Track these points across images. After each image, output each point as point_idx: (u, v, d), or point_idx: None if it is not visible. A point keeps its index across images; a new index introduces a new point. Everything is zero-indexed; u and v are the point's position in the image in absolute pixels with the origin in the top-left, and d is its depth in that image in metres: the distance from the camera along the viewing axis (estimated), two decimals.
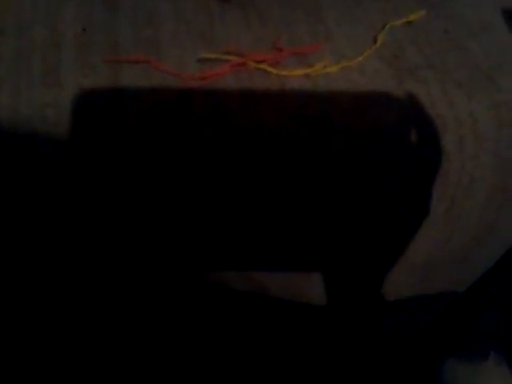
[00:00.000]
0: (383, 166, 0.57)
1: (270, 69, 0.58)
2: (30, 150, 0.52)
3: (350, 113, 0.56)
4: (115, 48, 0.56)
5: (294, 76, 0.58)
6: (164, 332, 0.60)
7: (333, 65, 0.59)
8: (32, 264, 0.53)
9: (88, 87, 0.54)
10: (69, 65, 0.55)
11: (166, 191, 0.56)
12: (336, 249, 0.65)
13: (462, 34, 0.67)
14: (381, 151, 0.57)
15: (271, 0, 0.67)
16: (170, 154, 0.55)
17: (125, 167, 0.54)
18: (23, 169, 0.53)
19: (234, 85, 0.57)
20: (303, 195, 0.58)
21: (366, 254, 0.68)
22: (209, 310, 0.61)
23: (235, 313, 0.63)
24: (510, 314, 0.79)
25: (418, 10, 0.68)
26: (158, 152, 0.54)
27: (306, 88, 0.57)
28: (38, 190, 0.54)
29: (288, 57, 0.59)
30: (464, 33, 0.67)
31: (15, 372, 0.51)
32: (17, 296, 0.52)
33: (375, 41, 0.64)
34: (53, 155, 0.52)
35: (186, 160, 0.55)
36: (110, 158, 0.54)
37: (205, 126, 0.55)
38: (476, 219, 0.65)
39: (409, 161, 0.57)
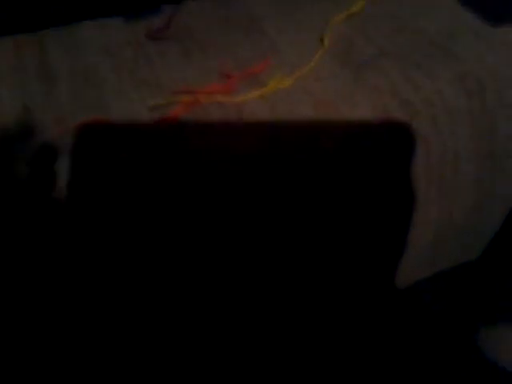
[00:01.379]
0: (360, 171, 0.55)
1: (223, 99, 0.55)
2: None
3: (313, 127, 0.53)
4: (61, 120, 0.54)
5: (250, 99, 0.55)
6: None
7: (286, 78, 0.57)
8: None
9: None
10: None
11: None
12: (339, 250, 0.62)
13: (407, 13, 0.65)
14: (353, 158, 0.54)
15: (208, 26, 0.65)
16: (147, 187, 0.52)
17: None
18: None
19: (192, 123, 0.54)
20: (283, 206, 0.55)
21: (371, 250, 0.65)
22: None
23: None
24: None
25: None
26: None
27: (264, 109, 0.54)
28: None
29: (239, 81, 0.57)
30: (409, 11, 0.65)
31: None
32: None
33: (323, 41, 0.61)
34: None
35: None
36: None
37: (174, 170, 0.52)
38: (471, 190, 0.62)
39: (383, 155, 0.55)
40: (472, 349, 0.83)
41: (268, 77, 0.57)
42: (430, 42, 0.60)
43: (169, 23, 0.64)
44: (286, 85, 0.57)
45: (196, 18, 0.66)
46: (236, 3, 0.68)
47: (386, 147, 0.54)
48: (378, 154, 0.55)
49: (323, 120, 0.54)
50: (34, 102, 0.56)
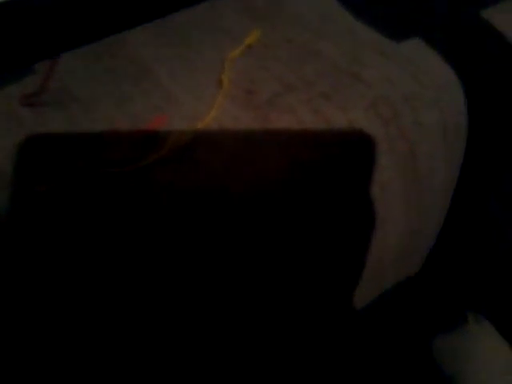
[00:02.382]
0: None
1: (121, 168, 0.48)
2: None
3: (225, 182, 0.48)
4: None
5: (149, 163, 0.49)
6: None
7: (185, 133, 0.51)
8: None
9: None
10: None
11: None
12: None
13: (306, 37, 0.60)
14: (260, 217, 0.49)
15: (91, 81, 0.57)
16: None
17: None
18: None
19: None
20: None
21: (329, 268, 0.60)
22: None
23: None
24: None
25: (249, 27, 0.61)
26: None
27: (166, 173, 0.48)
28: None
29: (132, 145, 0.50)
30: (308, 35, 0.61)
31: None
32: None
33: (221, 82, 0.56)
34: None
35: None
36: None
37: None
38: (401, 214, 0.59)
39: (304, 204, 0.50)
40: (427, 360, 0.82)
41: (167, 134, 0.51)
42: (334, 68, 0.56)
43: (45, 84, 0.56)
44: (187, 140, 0.50)
45: (76, 73, 0.58)
46: (120, 48, 0.61)
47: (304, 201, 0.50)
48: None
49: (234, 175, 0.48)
50: None
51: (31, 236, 0.46)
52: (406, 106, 0.53)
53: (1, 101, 0.54)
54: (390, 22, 0.61)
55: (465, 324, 0.82)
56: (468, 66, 0.58)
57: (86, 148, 0.51)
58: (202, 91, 0.55)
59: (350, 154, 0.51)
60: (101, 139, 0.52)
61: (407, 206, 0.57)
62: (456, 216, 0.64)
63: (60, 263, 0.46)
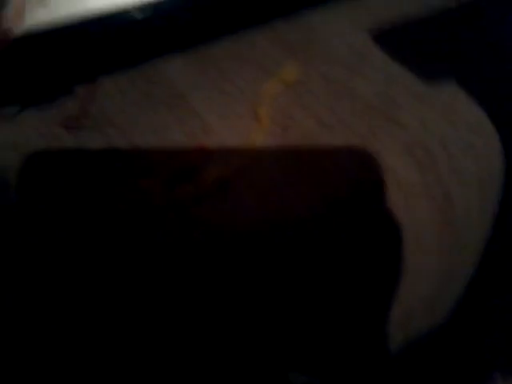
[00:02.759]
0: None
1: (161, 201, 0.49)
2: None
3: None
4: None
5: (182, 198, 0.49)
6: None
7: (223, 168, 0.51)
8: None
9: None
10: None
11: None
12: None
13: (341, 74, 0.61)
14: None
15: (129, 106, 0.58)
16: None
17: None
18: None
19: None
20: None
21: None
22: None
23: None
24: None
25: (284, 61, 0.62)
26: None
27: (201, 212, 0.48)
28: None
29: (171, 176, 0.51)
30: (343, 72, 0.61)
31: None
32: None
33: (257, 116, 0.56)
34: None
35: None
36: None
37: None
38: (433, 265, 0.59)
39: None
40: None
41: (203, 166, 0.51)
42: (370, 109, 0.56)
43: (85, 108, 0.57)
44: (223, 175, 0.51)
45: (114, 97, 0.59)
46: (157, 75, 0.62)
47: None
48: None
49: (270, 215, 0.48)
50: None
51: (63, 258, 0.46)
52: (441, 150, 0.54)
53: (40, 123, 0.55)
54: (426, 64, 0.62)
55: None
56: (504, 111, 0.59)
57: (122, 175, 0.51)
58: (238, 123, 0.56)
59: (384, 196, 0.51)
60: (136, 167, 0.52)
61: (440, 252, 0.57)
62: (490, 263, 0.64)
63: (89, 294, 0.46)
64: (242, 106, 0.58)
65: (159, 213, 0.48)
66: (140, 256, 0.46)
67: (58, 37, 0.57)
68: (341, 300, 0.52)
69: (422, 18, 0.70)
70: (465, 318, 0.69)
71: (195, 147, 0.53)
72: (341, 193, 0.51)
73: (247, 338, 0.51)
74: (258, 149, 0.53)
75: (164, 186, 0.50)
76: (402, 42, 0.66)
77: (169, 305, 0.47)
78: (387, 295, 0.54)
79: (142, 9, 0.60)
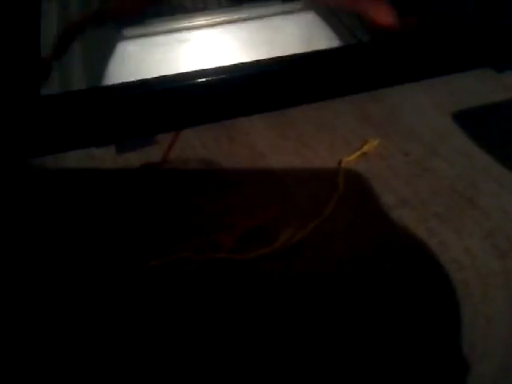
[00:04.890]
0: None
1: (233, 255, 0.49)
2: None
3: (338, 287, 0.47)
4: None
5: (261, 256, 0.49)
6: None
7: (299, 231, 0.51)
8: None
9: None
10: None
11: None
12: None
13: (421, 152, 0.61)
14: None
15: (209, 160, 0.60)
16: None
17: None
18: None
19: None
20: None
21: None
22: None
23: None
24: None
25: (364, 133, 0.62)
26: None
27: (279, 269, 0.48)
28: None
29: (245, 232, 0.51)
30: (423, 150, 0.61)
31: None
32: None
33: (335, 185, 0.56)
34: None
35: None
36: None
37: None
38: (500, 352, 0.56)
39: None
40: None
41: (279, 226, 0.52)
42: (449, 190, 0.56)
43: (166, 156, 0.59)
44: (300, 237, 0.51)
45: (196, 149, 0.61)
46: (238, 134, 0.64)
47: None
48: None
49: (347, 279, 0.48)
50: None
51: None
52: None
53: (122, 168, 0.57)
54: (507, 148, 0.61)
55: None
56: None
57: (199, 228, 0.52)
58: (316, 189, 0.56)
59: (463, 282, 0.50)
60: (213, 221, 0.53)
61: (510, 341, 0.54)
62: None
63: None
64: (321, 173, 0.58)
65: (234, 268, 0.48)
66: (212, 307, 0.46)
67: (151, 91, 0.60)
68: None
69: (503, 101, 0.70)
70: None
71: (272, 207, 0.53)
72: (416, 271, 0.50)
73: None
74: (334, 216, 0.53)
75: (239, 242, 0.50)
76: (483, 125, 0.66)
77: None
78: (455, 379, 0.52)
79: (228, 70, 0.63)
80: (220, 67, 0.62)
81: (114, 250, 0.49)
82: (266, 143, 0.63)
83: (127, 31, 0.66)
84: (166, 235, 0.51)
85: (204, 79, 0.63)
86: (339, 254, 0.50)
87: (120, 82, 0.66)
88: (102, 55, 0.68)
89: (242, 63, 0.62)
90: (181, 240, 0.50)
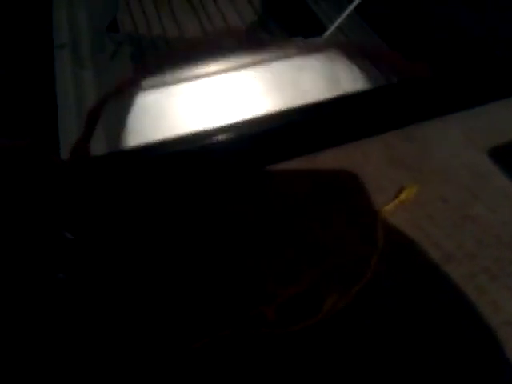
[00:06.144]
0: None
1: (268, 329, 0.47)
2: None
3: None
4: None
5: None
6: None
7: (342, 298, 0.49)
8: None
9: None
10: None
11: None
12: None
13: (460, 197, 0.58)
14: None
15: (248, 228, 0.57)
16: None
17: None
18: None
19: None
20: None
21: None
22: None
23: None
24: None
25: (399, 178, 0.60)
26: None
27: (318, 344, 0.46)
28: None
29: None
30: (463, 195, 0.59)
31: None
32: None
33: (374, 240, 0.54)
34: None
35: None
36: None
37: None
38: None
39: None
40: None
41: (324, 290, 0.49)
42: (496, 240, 0.53)
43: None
44: (344, 304, 0.48)
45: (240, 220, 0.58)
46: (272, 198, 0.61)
47: None
48: None
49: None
50: None
51: None
52: None
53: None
54: None
55: None
56: None
57: (239, 299, 0.50)
58: (357, 247, 0.54)
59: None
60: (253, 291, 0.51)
61: None
62: None
63: None
64: (360, 227, 0.56)
65: (275, 343, 0.45)
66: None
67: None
68: None
69: None
70: None
71: (313, 272, 0.51)
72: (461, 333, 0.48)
73: None
74: (376, 276, 0.50)
75: (278, 313, 0.48)
76: None
77: None
78: None
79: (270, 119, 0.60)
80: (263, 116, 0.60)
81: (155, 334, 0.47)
82: (298, 204, 0.60)
83: (145, 82, 0.64)
84: (207, 311, 0.48)
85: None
86: (385, 322, 0.48)
87: (140, 130, 0.65)
88: (122, 106, 0.66)
89: (267, 115, 0.60)
90: (221, 316, 0.48)
